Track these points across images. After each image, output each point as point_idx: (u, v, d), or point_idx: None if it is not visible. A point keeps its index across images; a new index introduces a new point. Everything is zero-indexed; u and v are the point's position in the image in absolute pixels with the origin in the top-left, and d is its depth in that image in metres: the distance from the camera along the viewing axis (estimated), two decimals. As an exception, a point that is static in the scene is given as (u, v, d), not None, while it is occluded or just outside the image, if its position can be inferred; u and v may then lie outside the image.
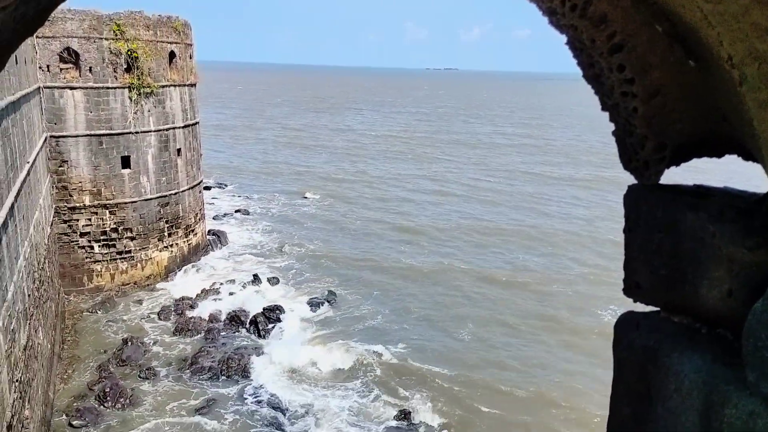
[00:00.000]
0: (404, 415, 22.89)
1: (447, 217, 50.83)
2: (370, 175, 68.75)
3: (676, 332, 1.33)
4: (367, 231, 46.63)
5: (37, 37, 28.50)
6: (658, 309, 1.42)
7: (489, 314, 31.82)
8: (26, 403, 17.61)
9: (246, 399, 24.02)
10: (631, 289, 1.45)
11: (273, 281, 35.13)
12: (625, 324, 1.46)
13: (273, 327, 29.56)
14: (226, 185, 60.35)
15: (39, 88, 28.43)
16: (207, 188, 50.16)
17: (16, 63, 21.72)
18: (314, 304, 32.40)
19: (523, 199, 58.41)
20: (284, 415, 23.08)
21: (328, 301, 32.92)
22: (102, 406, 23.10)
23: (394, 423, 22.58)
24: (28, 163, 22.47)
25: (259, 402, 23.83)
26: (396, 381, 25.48)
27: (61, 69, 29.88)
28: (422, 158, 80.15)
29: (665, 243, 1.32)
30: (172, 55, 34.01)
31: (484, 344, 28.84)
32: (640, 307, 1.47)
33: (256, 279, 34.98)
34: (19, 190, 19.79)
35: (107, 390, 23.77)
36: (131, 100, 31.77)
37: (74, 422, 22.11)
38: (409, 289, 35.16)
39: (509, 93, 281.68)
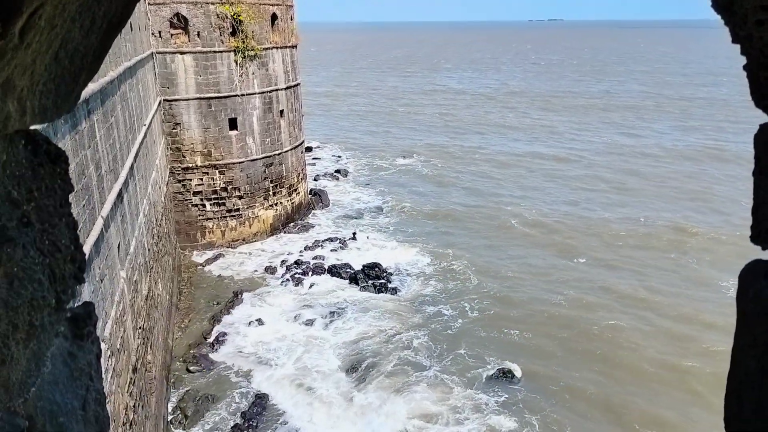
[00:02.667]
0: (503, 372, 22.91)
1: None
2: (466, 147, 67.55)
3: (811, 282, 1.24)
4: (473, 191, 45.43)
5: (148, 4, 29.92)
6: (788, 257, 1.33)
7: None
8: (149, 349, 19.14)
9: (345, 348, 24.84)
10: (760, 236, 1.36)
11: (372, 239, 35.76)
12: (751, 274, 1.37)
13: (372, 283, 30.22)
14: (325, 146, 61.55)
15: (152, 53, 29.94)
16: (308, 149, 51.39)
17: (131, 29, 22.94)
18: (413, 262, 32.76)
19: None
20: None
21: (423, 258, 33.16)
22: (215, 353, 24.72)
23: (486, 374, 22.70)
24: (144, 125, 23.90)
25: (357, 353, 24.57)
26: (484, 339, 25.45)
27: (171, 34, 31.26)
28: (539, 128, 68.52)
29: (801, 185, 1.21)
30: (274, 17, 34.68)
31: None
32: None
33: (355, 237, 35.76)
34: (138, 151, 21.13)
35: (219, 338, 25.39)
36: (236, 63, 32.83)
37: (191, 368, 23.84)
38: (526, 257, 33.92)
39: (623, 44, 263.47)
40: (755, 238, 1.37)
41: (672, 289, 29.47)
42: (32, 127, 1.05)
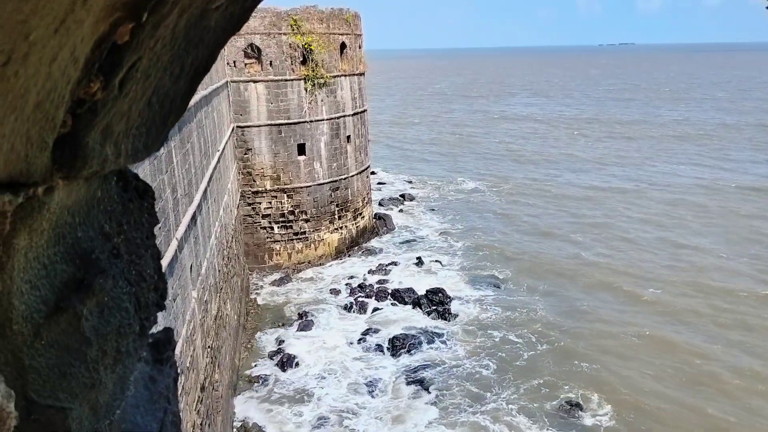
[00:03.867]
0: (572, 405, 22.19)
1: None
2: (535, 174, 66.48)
3: None
4: (542, 228, 42.43)
5: (225, 35, 31.21)
6: None
7: None
8: (216, 368, 19.61)
9: (407, 374, 24.66)
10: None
11: (437, 264, 35.61)
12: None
13: (434, 308, 30.01)
14: (390, 171, 62.01)
15: (227, 82, 31.15)
16: (373, 173, 51.93)
17: (209, 60, 23.96)
18: (476, 290, 32.40)
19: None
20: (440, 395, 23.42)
21: (489, 285, 32.72)
22: (281, 372, 25.07)
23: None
24: (218, 151, 24.80)
25: (419, 381, 24.35)
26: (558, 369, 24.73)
27: (245, 64, 32.48)
28: (612, 158, 64.16)
29: None
30: (342, 46, 35.52)
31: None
32: None
33: (419, 261, 35.71)
34: (211, 176, 21.93)
35: (284, 360, 25.75)
36: (306, 91, 33.73)
37: (256, 387, 24.25)
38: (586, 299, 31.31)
39: (699, 67, 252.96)
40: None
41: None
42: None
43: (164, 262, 13.28)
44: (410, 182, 56.64)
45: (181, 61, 1.01)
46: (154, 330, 1.25)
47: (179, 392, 13.59)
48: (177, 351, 13.76)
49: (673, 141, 73.77)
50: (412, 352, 26.50)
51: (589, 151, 69.78)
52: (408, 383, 24.21)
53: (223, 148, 26.56)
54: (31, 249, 0.81)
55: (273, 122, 33.41)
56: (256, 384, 24.40)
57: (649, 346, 26.13)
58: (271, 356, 26.42)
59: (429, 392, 23.45)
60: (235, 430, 21.84)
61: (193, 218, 17.61)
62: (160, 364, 1.22)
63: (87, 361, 0.91)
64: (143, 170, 12.29)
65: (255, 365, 25.92)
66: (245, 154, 33.50)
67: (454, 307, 30.35)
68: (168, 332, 1.29)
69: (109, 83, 0.83)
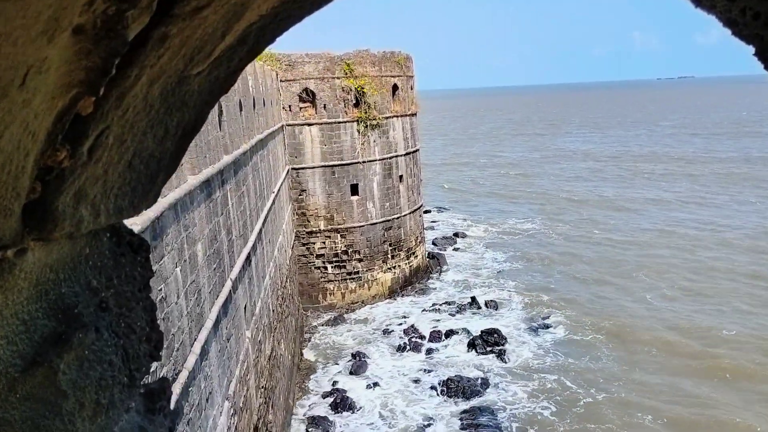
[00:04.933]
0: None
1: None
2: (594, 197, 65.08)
3: None
4: (601, 273, 39.84)
5: (280, 81, 32.25)
6: None
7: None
8: (270, 408, 19.68)
9: (463, 418, 24.09)
10: None
11: (491, 305, 35.02)
12: None
13: (490, 350, 29.41)
14: (445, 209, 61.87)
15: (282, 125, 32.04)
16: (426, 212, 51.93)
17: (264, 105, 24.77)
18: (532, 333, 31.64)
19: None
20: (503, 441, 22.75)
21: (545, 327, 31.89)
22: (334, 415, 24.92)
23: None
24: (273, 192, 25.38)
25: (475, 425, 23.73)
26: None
27: (300, 108, 33.38)
28: (677, 202, 58.66)
29: None
30: (395, 87, 36.10)
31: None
32: None
33: (474, 301, 35.21)
34: (266, 217, 22.40)
35: (338, 401, 25.61)
36: (359, 133, 34.32)
37: (310, 429, 24.14)
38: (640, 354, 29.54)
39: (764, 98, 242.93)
40: None
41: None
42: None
43: (219, 302, 13.55)
44: (464, 221, 56.30)
45: (164, 124, 1.07)
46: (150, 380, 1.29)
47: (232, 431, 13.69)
48: (230, 390, 13.91)
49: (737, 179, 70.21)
50: (468, 394, 25.93)
51: (650, 190, 67.79)
52: (462, 428, 23.64)
53: (278, 190, 27.15)
54: (6, 306, 0.86)
55: (327, 163, 34.04)
56: (309, 426, 24.31)
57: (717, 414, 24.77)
58: (324, 397, 26.33)
59: (485, 436, 22.83)
60: (288, 471, 21.73)
61: (248, 259, 17.97)
62: (152, 414, 1.25)
63: (62, 413, 0.95)
64: (199, 213, 12.70)
65: (309, 406, 25.87)
66: (300, 195, 34.14)
67: (509, 348, 29.66)
68: (163, 382, 1.32)
69: (76, 151, 0.89)
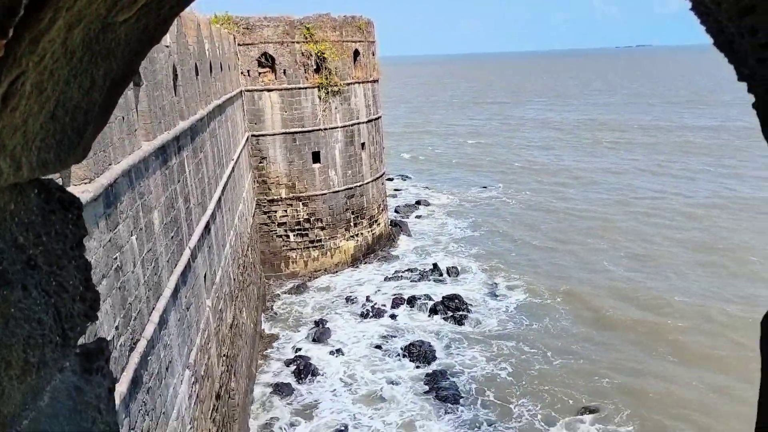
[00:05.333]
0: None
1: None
2: (545, 164, 66.00)
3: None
4: (560, 238, 41.37)
5: (238, 44, 31.51)
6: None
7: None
8: (232, 376, 19.70)
9: (424, 382, 24.56)
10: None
11: (453, 271, 35.48)
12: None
13: (451, 315, 29.89)
14: (407, 176, 61.97)
15: (241, 91, 31.41)
16: (389, 179, 51.97)
17: (221, 69, 24.21)
18: (493, 298, 32.25)
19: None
20: (463, 395, 23.29)
21: (504, 292, 32.53)
22: (297, 382, 25.11)
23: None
24: (232, 160, 24.99)
25: (436, 388, 24.23)
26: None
27: (259, 73, 32.74)
28: (633, 171, 60.11)
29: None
30: (356, 53, 35.66)
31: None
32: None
33: (435, 268, 35.60)
34: (226, 185, 22.09)
35: (301, 368, 25.79)
36: (320, 99, 33.89)
37: (273, 395, 24.30)
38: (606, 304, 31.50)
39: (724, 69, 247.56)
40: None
41: None
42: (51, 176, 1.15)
43: (177, 272, 13.39)
44: (426, 189, 56.54)
45: (90, 74, 1.02)
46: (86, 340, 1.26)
47: (194, 400, 13.68)
48: (191, 359, 13.85)
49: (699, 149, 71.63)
50: (429, 358, 26.38)
51: (607, 158, 69.07)
52: (425, 391, 24.10)
53: (238, 157, 26.75)
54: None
55: (287, 130, 33.61)
56: (273, 393, 24.45)
57: (673, 359, 25.74)
58: (287, 364, 26.46)
59: (446, 400, 23.31)
60: (251, 438, 21.89)
61: (207, 227, 17.74)
62: (89, 374, 1.22)
63: None
64: (155, 180, 12.43)
65: (273, 373, 25.98)
66: (260, 162, 33.72)
67: (470, 314, 30.20)
68: (100, 342, 1.29)
69: (-12, 99, 0.84)
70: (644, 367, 24.82)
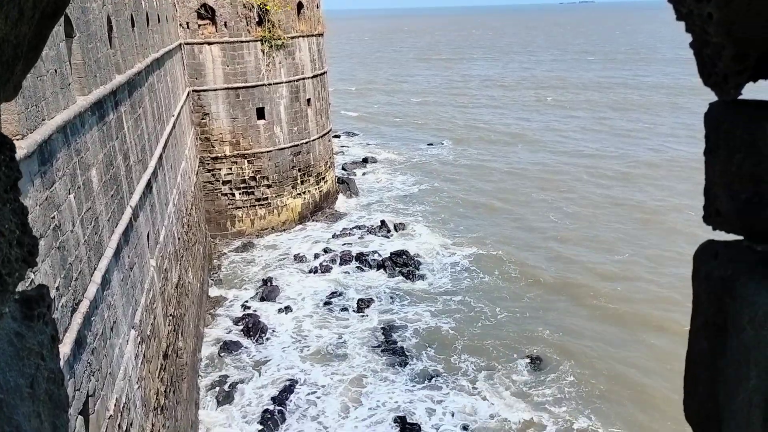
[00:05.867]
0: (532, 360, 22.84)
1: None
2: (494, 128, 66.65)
3: (757, 261, 1.22)
4: (505, 179, 44.22)
5: (176, -4, 30.22)
6: (740, 238, 1.30)
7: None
8: (180, 335, 19.54)
9: (372, 336, 24.98)
10: (711, 216, 1.34)
11: (400, 227, 35.79)
12: (704, 254, 1.35)
13: (399, 270, 30.29)
14: (354, 134, 61.58)
15: (180, 44, 30.28)
16: (336, 137, 51.55)
17: (158, 21, 23.23)
18: (440, 252, 32.76)
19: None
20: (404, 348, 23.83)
21: (452, 246, 33.10)
22: (246, 340, 25.12)
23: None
24: (173, 116, 24.24)
25: (384, 342, 24.68)
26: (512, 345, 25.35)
27: (199, 25, 31.57)
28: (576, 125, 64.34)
29: (746, 164, 1.19)
30: (299, 5, 34.74)
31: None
32: (724, 237, 1.35)
33: (383, 225, 35.84)
34: (166, 142, 21.46)
35: (249, 325, 25.78)
36: (263, 53, 33.01)
37: (222, 354, 24.27)
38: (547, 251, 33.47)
39: (663, 26, 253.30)
40: (707, 218, 1.35)
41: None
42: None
43: (119, 231, 13.05)
44: (373, 146, 56.39)
45: (17, 3, 0.96)
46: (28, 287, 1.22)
47: (140, 359, 13.54)
48: (136, 319, 13.65)
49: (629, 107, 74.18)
50: (377, 314, 26.78)
51: (550, 116, 70.21)
52: (373, 346, 24.52)
53: (179, 113, 25.97)
54: None
55: (230, 86, 32.72)
56: (221, 351, 24.42)
57: (617, 319, 26.81)
58: (236, 322, 26.40)
59: (394, 353, 23.79)
60: (202, 395, 21.91)
61: (149, 185, 17.29)
62: (30, 321, 1.19)
63: None
64: (92, 136, 11.97)
65: (221, 332, 25.90)
66: (202, 119, 32.83)
67: (417, 269, 30.66)
68: (41, 289, 1.26)
69: None
70: (582, 324, 25.67)
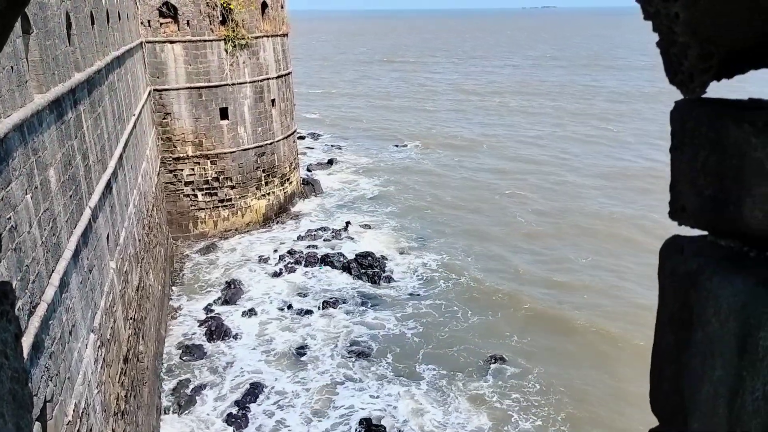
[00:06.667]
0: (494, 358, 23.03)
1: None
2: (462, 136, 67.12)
3: (722, 256, 1.26)
4: (469, 183, 44.52)
5: (138, -7, 29.68)
6: (705, 233, 1.34)
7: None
8: (140, 339, 19.16)
9: (337, 339, 24.87)
10: (677, 212, 1.37)
11: (365, 228, 35.78)
12: (670, 249, 1.39)
13: (364, 272, 30.25)
14: (318, 135, 61.33)
15: (141, 42, 29.74)
16: (301, 138, 51.26)
17: (119, 18, 22.78)
18: (405, 254, 32.85)
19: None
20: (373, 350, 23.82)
21: (417, 249, 33.22)
22: (209, 343, 24.76)
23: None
24: (134, 115, 23.78)
25: (350, 344, 24.61)
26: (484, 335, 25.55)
27: (160, 23, 31.05)
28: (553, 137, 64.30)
29: (710, 161, 1.23)
30: (264, 5, 34.46)
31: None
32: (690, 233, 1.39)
33: (348, 226, 35.77)
34: (127, 141, 21.04)
35: (213, 328, 25.42)
36: (227, 52, 32.65)
37: (184, 358, 23.88)
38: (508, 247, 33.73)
39: (625, 32, 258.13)
40: (673, 214, 1.38)
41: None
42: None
43: (77, 232, 12.74)
44: (338, 149, 56.24)
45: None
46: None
47: (100, 364, 13.23)
48: (96, 323, 13.34)
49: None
50: (343, 316, 26.69)
51: (514, 121, 71.05)
52: (337, 349, 24.41)
53: (140, 113, 25.49)
54: None
55: (193, 85, 32.25)
56: (183, 355, 24.02)
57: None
58: (199, 325, 26.01)
59: (359, 356, 23.71)
60: (163, 400, 21.52)
61: (108, 186, 16.92)
62: (-7, 319, 1.15)
63: None
64: (50, 135, 11.66)
65: (183, 335, 25.47)
66: (164, 118, 32.28)
67: (383, 271, 30.65)
68: (4, 285, 1.22)
69: None
70: (548, 329, 25.59)
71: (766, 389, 1.06)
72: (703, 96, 1.28)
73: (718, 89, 1.28)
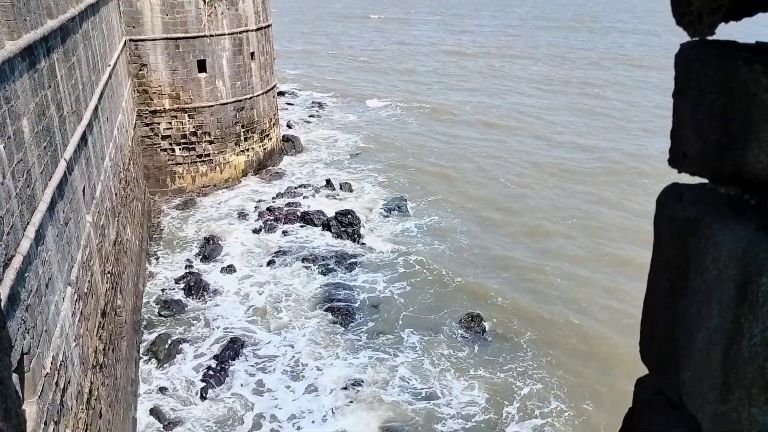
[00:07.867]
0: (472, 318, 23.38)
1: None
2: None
3: (722, 203, 1.24)
4: (450, 138, 44.32)
5: (112, -62, 28.54)
6: (705, 181, 1.32)
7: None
8: (118, 293, 19.07)
9: (317, 296, 25.03)
10: (677, 159, 1.35)
11: (346, 187, 35.63)
12: (668, 196, 1.37)
13: (344, 230, 30.26)
14: (299, 92, 60.40)
15: (116, -9, 28.74)
16: (280, 93, 50.43)
17: (93, -35, 21.92)
18: (386, 212, 32.83)
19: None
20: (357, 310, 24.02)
21: (399, 209, 33.19)
22: (187, 299, 24.76)
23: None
24: (109, 66, 23.15)
25: (328, 301, 24.76)
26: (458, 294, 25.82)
27: (136, -29, 30.00)
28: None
29: (716, 104, 1.19)
30: (243, -46, 33.42)
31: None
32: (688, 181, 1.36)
33: (328, 184, 35.59)
34: (102, 93, 20.52)
35: (191, 284, 25.39)
36: (205, 2, 31.75)
37: (163, 312, 23.88)
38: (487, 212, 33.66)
39: None
40: (673, 161, 1.36)
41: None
42: None
43: (52, 184, 12.49)
44: (319, 105, 55.47)
45: None
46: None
47: (77, 317, 13.16)
48: (73, 276, 13.21)
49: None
50: (323, 273, 26.76)
51: (501, 84, 70.53)
52: (316, 306, 24.54)
53: (115, 63, 24.81)
54: None
55: (169, 36, 31.39)
56: (162, 309, 24.01)
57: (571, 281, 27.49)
58: (177, 281, 25.94)
59: (338, 314, 23.82)
60: (142, 353, 21.58)
61: (84, 138, 16.55)
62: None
63: None
64: (22, 84, 11.30)
65: (161, 290, 25.41)
66: (140, 70, 31.49)
67: (363, 228, 30.66)
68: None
69: None
70: (538, 289, 25.65)
71: (764, 335, 1.05)
72: (710, 38, 1.24)
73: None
